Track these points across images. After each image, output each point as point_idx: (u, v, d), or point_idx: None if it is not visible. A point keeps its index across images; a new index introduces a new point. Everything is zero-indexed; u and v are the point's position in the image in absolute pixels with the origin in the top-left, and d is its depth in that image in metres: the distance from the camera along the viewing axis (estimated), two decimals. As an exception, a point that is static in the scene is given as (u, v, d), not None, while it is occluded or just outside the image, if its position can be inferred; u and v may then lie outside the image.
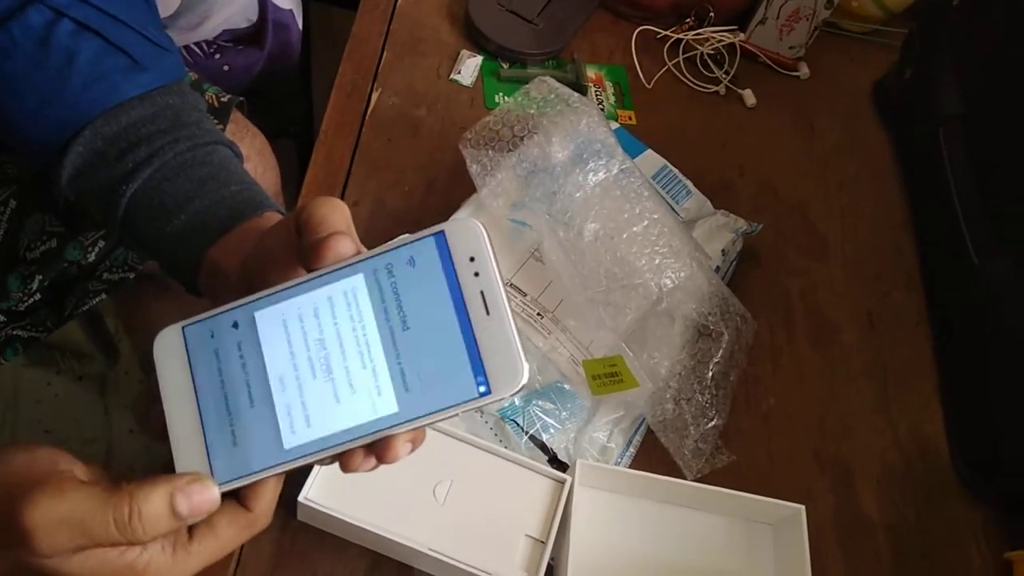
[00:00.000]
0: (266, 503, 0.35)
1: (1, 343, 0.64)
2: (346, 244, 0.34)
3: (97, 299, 0.64)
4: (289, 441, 0.34)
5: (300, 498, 0.52)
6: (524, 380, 0.32)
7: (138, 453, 1.20)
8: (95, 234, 0.60)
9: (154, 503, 0.31)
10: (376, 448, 0.34)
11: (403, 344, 0.34)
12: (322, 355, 0.34)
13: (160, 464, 0.36)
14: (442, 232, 0.34)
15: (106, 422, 1.22)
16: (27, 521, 0.30)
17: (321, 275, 0.35)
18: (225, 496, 0.34)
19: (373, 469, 0.34)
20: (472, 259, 0.33)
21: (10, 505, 0.31)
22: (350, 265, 0.35)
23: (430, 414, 0.33)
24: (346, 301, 0.34)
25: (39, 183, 0.57)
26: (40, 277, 0.60)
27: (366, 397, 0.34)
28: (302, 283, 0.35)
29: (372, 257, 0.34)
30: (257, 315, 0.35)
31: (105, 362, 1.23)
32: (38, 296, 0.62)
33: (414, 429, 0.34)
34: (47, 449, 0.34)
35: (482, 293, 0.33)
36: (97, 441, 1.20)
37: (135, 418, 1.20)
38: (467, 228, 0.34)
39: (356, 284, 0.34)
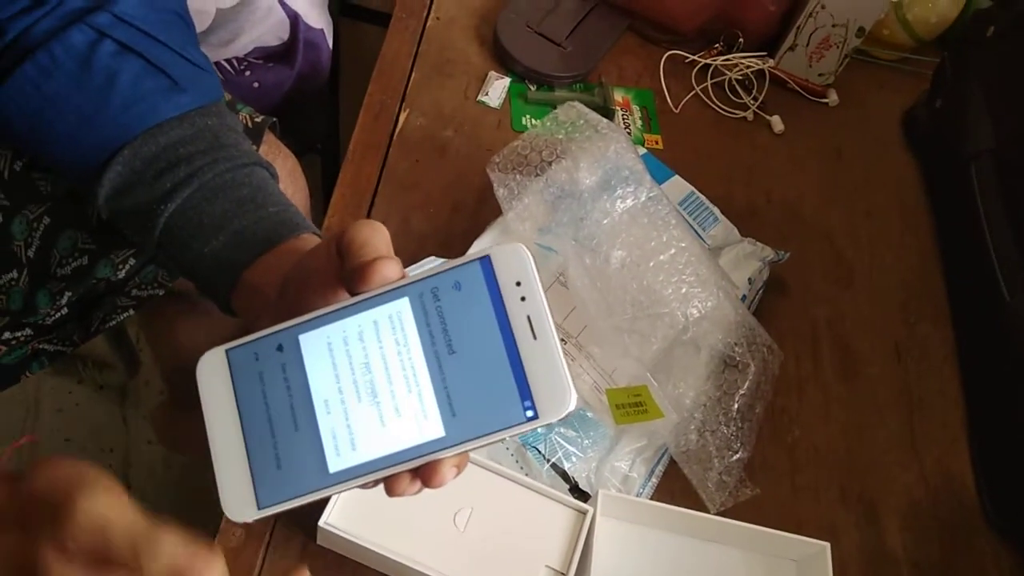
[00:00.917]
0: None
1: (27, 357, 0.65)
2: (392, 268, 0.34)
3: (125, 314, 0.65)
4: (334, 465, 0.34)
5: (320, 523, 0.51)
6: (572, 405, 0.32)
7: (155, 464, 1.20)
8: (126, 251, 0.60)
9: (166, 542, 0.30)
10: (422, 472, 0.34)
11: (449, 368, 0.34)
12: (367, 379, 0.34)
13: (175, 475, 0.35)
14: (488, 257, 0.34)
15: (125, 432, 1.22)
16: (81, 503, 0.29)
17: (366, 299, 0.35)
18: None
19: (418, 493, 0.34)
20: (518, 283, 0.34)
21: (71, 483, 0.30)
22: (395, 289, 0.35)
23: (477, 438, 0.33)
24: (391, 325, 0.34)
25: (72, 200, 0.58)
26: (69, 293, 0.61)
27: (412, 421, 0.34)
28: (347, 307, 0.35)
29: (417, 281, 0.35)
30: (302, 338, 0.35)
31: (126, 373, 1.24)
32: (66, 311, 0.63)
33: (460, 453, 0.34)
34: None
35: (528, 318, 0.33)
36: (115, 451, 1.20)
37: (154, 429, 1.20)
38: (513, 253, 0.34)
39: (401, 308, 0.34)
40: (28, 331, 0.63)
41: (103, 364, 1.25)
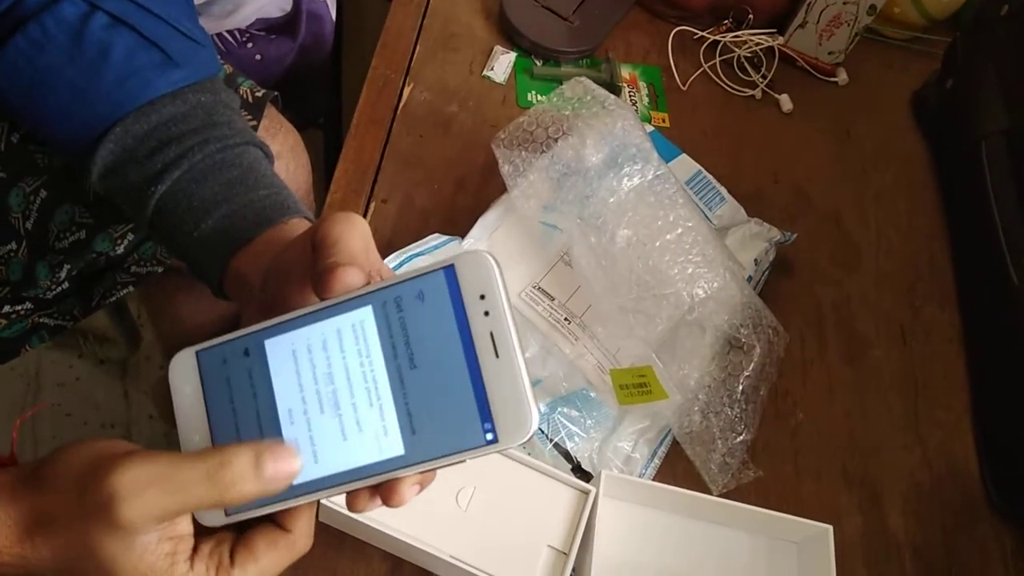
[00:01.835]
0: (304, 524, 0.35)
1: (27, 331, 0.64)
2: (354, 276, 0.33)
3: (125, 291, 0.64)
4: (297, 477, 0.33)
5: (323, 500, 0.51)
6: (533, 430, 0.31)
7: (157, 439, 1.20)
8: (125, 227, 0.60)
9: (241, 457, 0.31)
10: (381, 491, 0.33)
11: (410, 383, 0.32)
12: (330, 389, 0.33)
13: (176, 450, 0.36)
14: (452, 266, 0.32)
15: (126, 407, 1.22)
16: (114, 483, 0.30)
17: (330, 305, 0.34)
18: (263, 519, 0.34)
19: (378, 508, 0.34)
20: (483, 297, 0.32)
21: (95, 471, 0.30)
22: (360, 296, 0.33)
23: (435, 459, 0.32)
24: (354, 335, 0.33)
25: (70, 174, 0.57)
26: (68, 267, 0.60)
27: (372, 437, 0.32)
28: (312, 312, 0.34)
29: (382, 289, 0.33)
30: (267, 344, 0.34)
31: (127, 347, 1.24)
32: (66, 285, 0.62)
33: (420, 472, 0.32)
34: (124, 441, 0.34)
35: (492, 334, 0.31)
36: (117, 425, 1.20)
37: (155, 404, 1.20)
38: (478, 263, 0.32)
39: (364, 317, 0.33)
40: (28, 305, 0.63)
41: (104, 338, 1.24)
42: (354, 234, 0.34)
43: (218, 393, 0.34)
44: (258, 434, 0.34)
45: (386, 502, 0.33)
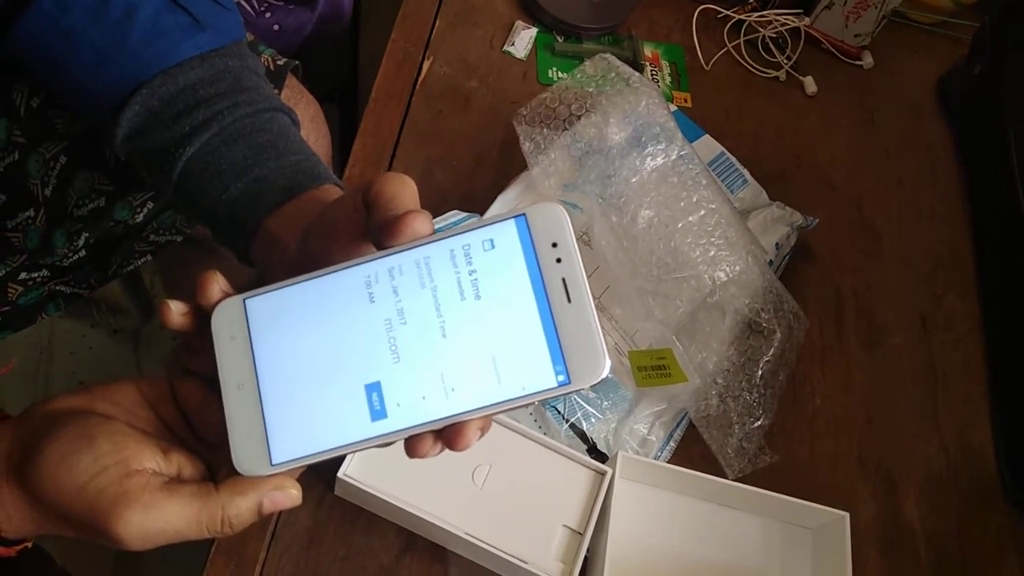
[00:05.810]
0: None
1: (43, 298, 0.64)
2: (423, 222, 0.33)
3: (142, 260, 0.64)
4: (365, 430, 0.33)
5: (339, 474, 0.51)
6: (605, 371, 0.31)
7: (168, 409, 1.20)
8: (144, 195, 0.59)
9: (244, 513, 0.33)
10: (446, 434, 0.32)
11: (480, 328, 0.32)
12: (392, 336, 0.33)
13: None
14: (524, 216, 0.33)
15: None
16: (119, 533, 0.32)
17: (394, 253, 0.33)
18: None
19: (439, 454, 0.33)
20: (555, 245, 0.32)
21: (95, 518, 0.32)
22: (425, 244, 0.33)
23: (506, 402, 0.32)
24: (420, 282, 0.33)
25: (89, 140, 0.56)
26: (87, 235, 0.60)
27: (442, 382, 0.32)
28: (373, 260, 0.33)
29: (449, 237, 0.33)
30: (325, 290, 0.34)
31: (140, 318, 1.24)
32: (83, 253, 0.62)
33: (486, 416, 0.33)
34: (111, 438, 0.33)
35: (564, 280, 0.32)
36: (129, 395, 1.21)
37: (168, 374, 1.20)
38: (550, 212, 0.33)
39: (432, 265, 0.33)
40: (45, 272, 0.63)
41: (117, 308, 1.24)
42: (407, 192, 0.34)
43: (268, 341, 0.34)
44: (311, 381, 0.33)
45: (452, 446, 0.33)
